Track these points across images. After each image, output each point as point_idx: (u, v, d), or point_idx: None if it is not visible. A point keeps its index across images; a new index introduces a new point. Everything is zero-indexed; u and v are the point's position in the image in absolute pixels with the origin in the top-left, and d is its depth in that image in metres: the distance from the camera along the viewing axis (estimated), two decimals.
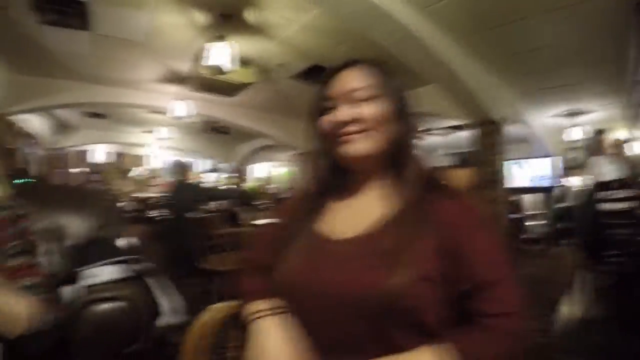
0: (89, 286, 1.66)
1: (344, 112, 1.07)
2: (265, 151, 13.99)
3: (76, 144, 13.09)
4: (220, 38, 5.08)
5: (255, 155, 14.32)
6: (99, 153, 15.21)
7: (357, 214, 1.10)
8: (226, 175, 15.18)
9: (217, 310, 1.18)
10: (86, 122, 11.72)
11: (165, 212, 6.09)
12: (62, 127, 11.90)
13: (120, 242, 2.07)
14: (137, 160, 16.30)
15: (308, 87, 7.00)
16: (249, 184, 14.12)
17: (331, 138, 1.11)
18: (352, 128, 1.06)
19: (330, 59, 5.89)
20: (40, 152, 10.60)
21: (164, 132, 11.51)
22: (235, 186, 12.05)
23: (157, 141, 13.48)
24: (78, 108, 9.59)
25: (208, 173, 15.88)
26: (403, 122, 1.10)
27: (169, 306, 1.86)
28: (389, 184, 1.12)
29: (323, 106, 1.13)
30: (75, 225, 1.93)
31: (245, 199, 8.61)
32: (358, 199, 1.14)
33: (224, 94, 6.74)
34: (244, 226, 5.81)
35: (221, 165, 15.58)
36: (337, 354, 0.97)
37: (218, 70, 5.22)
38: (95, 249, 1.83)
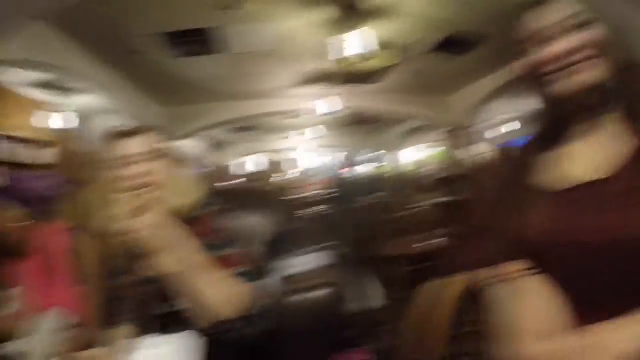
0: (292, 276, 1.70)
1: (564, 43, 0.94)
2: (415, 134, 13.72)
3: (232, 158, 14.05)
4: (353, 27, 5.03)
5: (406, 139, 14.13)
6: (253, 163, 16.13)
7: (589, 157, 0.97)
8: (377, 164, 15.18)
9: (444, 285, 1.14)
10: (237, 136, 12.47)
11: (330, 206, 6.15)
12: (217, 145, 12.74)
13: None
14: (290, 164, 17.06)
15: (447, 58, 6.80)
16: (404, 168, 13.96)
17: (546, 75, 0.97)
18: (576, 57, 0.92)
19: (465, 27, 5.65)
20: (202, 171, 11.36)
21: (311, 132, 11.81)
22: (388, 174, 11.97)
23: (306, 142, 13.84)
24: (227, 125, 10.09)
25: (360, 165, 15.97)
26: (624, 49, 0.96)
27: (363, 291, 1.87)
28: (614, 119, 0.98)
29: (524, 47, 1.02)
30: (261, 221, 2.00)
31: (402, 185, 8.51)
32: (584, 141, 0.99)
33: (368, 82, 6.73)
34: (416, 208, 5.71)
35: (372, 155, 15.61)
36: (595, 311, 0.87)
37: (359, 58, 5.20)
38: (290, 241, 1.89)
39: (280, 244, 1.88)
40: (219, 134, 11.46)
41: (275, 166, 16.53)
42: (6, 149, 6.43)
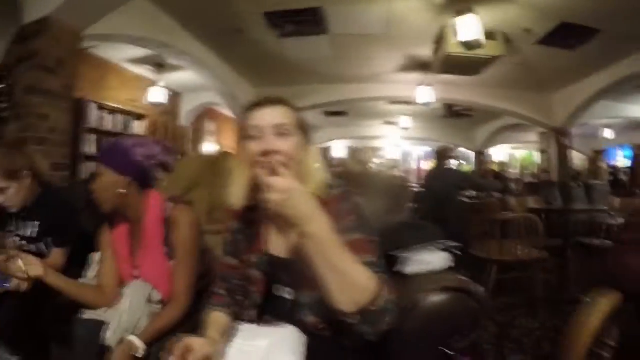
0: (416, 274, 1.55)
1: None
2: (506, 132, 13.15)
3: (319, 142, 13.90)
4: (464, 12, 4.70)
5: (496, 137, 13.55)
6: (340, 148, 16.06)
7: None
8: (463, 161, 14.77)
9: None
10: (328, 120, 12.38)
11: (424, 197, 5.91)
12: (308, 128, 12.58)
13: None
14: (377, 152, 16.79)
15: (555, 52, 6.28)
16: (490, 168, 13.47)
17: None
18: None
19: (576, 19, 5.15)
20: None
21: (404, 121, 11.51)
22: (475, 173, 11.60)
23: (396, 132, 13.60)
24: (320, 109, 10.04)
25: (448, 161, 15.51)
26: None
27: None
28: None
29: None
30: (376, 207, 1.86)
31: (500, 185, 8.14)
32: None
33: (470, 72, 6.35)
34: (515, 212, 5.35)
35: (460, 151, 15.18)
36: None
37: (470, 45, 4.88)
38: (414, 232, 1.73)
39: (402, 237, 1.74)
40: (309, 116, 11.39)
41: (360, 153, 16.49)
42: (107, 119, 6.81)
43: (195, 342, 1.20)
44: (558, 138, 9.00)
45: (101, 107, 6.68)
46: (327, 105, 9.27)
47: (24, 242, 2.31)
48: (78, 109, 5.96)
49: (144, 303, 1.73)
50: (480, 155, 14.21)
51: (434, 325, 1.38)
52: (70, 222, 2.35)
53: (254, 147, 1.25)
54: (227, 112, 9.85)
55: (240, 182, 1.32)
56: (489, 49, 5.38)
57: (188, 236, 1.77)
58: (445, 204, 5.24)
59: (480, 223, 4.36)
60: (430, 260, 1.59)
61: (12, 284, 1.84)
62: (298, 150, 1.28)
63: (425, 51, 6.31)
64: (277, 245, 1.36)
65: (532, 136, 12.76)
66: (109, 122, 6.87)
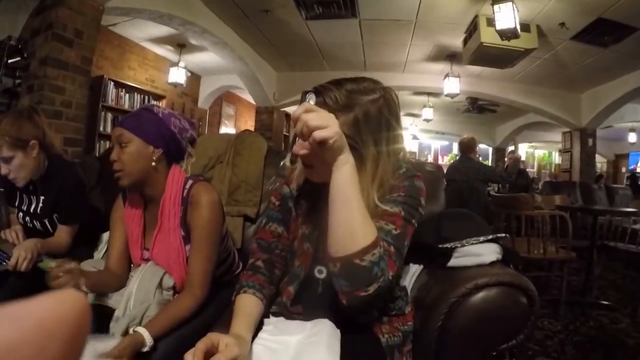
0: (462, 267, 1.43)
1: None
2: (527, 130, 12.89)
3: None
4: (496, 2, 4.58)
5: (517, 135, 13.29)
6: None
7: None
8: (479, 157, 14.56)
9: None
10: None
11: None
12: None
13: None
14: None
15: (587, 49, 6.10)
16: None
17: None
18: None
19: (617, 11, 4.92)
20: None
21: (426, 113, 11.24)
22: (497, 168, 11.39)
23: (416, 123, 13.42)
24: None
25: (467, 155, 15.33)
26: None
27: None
28: None
29: None
30: None
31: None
32: None
33: (502, 64, 6.14)
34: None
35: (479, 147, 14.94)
36: None
37: (505, 34, 4.77)
38: (462, 223, 1.59)
39: (451, 227, 1.63)
40: None
41: None
42: (124, 98, 6.82)
43: (221, 341, 1.03)
44: (583, 138, 8.78)
45: (119, 86, 6.70)
46: None
47: (27, 218, 2.19)
48: (96, 87, 5.96)
49: (154, 289, 1.57)
50: (499, 152, 13.98)
51: (484, 321, 1.27)
52: (79, 198, 2.20)
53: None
54: (246, 96, 9.77)
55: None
56: (522, 42, 5.22)
57: (208, 217, 1.58)
58: (469, 196, 5.10)
59: (506, 218, 4.19)
60: (480, 252, 1.46)
61: (11, 262, 1.76)
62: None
63: (454, 40, 6.20)
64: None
65: (553, 135, 12.53)
66: (127, 101, 6.87)
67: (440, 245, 1.52)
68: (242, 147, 2.41)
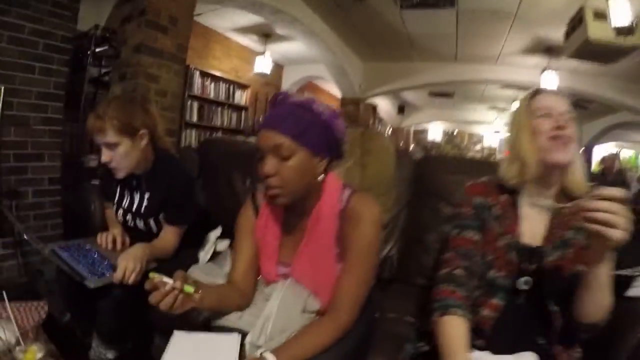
0: None
1: None
2: (617, 129, 12.08)
3: (418, 122, 13.61)
4: None
5: (606, 134, 12.49)
6: (436, 131, 15.49)
7: None
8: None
9: None
10: (430, 101, 11.87)
11: None
12: (409, 107, 12.47)
13: None
14: (474, 138, 15.99)
15: None
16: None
17: None
18: None
19: None
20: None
21: (515, 107, 10.69)
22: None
23: (500, 118, 12.90)
24: (429, 89, 9.66)
25: None
26: None
27: None
28: None
29: None
30: None
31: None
32: None
33: (607, 60, 5.67)
34: None
35: None
36: None
37: (620, 31, 4.40)
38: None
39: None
40: (413, 95, 11.21)
41: (456, 138, 15.88)
42: (209, 87, 6.80)
43: None
44: None
45: (205, 75, 6.68)
46: (436, 85, 8.84)
47: (128, 216, 2.01)
48: (183, 76, 5.94)
49: (299, 313, 1.33)
50: (586, 150, 13.18)
51: None
52: (188, 196, 2.00)
53: (546, 124, 1.27)
54: (329, 86, 9.63)
55: (530, 154, 1.27)
56: (633, 38, 4.78)
57: (370, 236, 1.33)
58: None
59: None
60: None
61: (117, 275, 1.57)
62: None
63: (554, 33, 5.71)
64: (528, 231, 1.31)
65: None
66: (212, 91, 6.87)
67: (617, 272, 1.31)
68: (370, 145, 2.14)
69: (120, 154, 1.79)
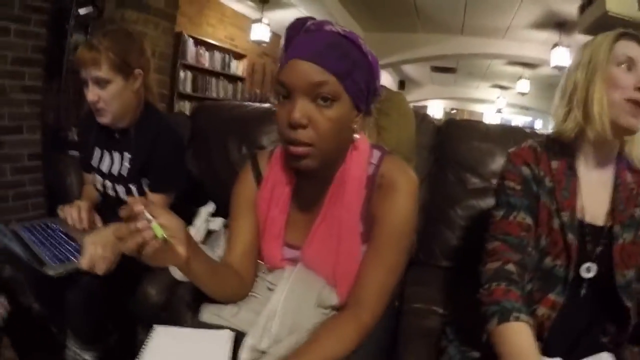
0: None
1: None
2: None
3: (418, 99, 13.23)
4: None
5: None
6: (437, 108, 15.30)
7: None
8: None
9: None
10: (431, 76, 11.68)
11: None
12: (410, 83, 12.22)
13: None
14: (475, 117, 15.69)
15: None
16: None
17: None
18: None
19: None
20: None
21: (522, 86, 10.24)
22: None
23: (504, 96, 12.66)
24: (431, 61, 9.39)
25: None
26: None
27: None
28: None
29: None
30: None
31: None
32: None
33: None
34: None
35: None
36: None
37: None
38: None
39: None
40: (414, 70, 10.96)
41: (455, 116, 15.62)
42: (204, 56, 6.58)
43: None
44: None
45: (199, 43, 6.41)
46: (440, 59, 8.59)
47: (107, 182, 1.73)
48: (174, 43, 5.64)
49: (312, 309, 1.05)
50: None
51: None
52: (178, 159, 1.73)
53: (628, 79, 1.03)
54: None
55: (604, 109, 1.04)
56: None
57: (406, 211, 1.03)
58: None
59: None
60: None
61: (83, 262, 1.29)
62: None
63: (568, 6, 5.50)
64: (589, 207, 1.08)
65: None
66: (207, 60, 6.61)
67: None
68: (389, 106, 1.87)
69: (110, 93, 1.54)
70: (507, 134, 1.86)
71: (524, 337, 0.92)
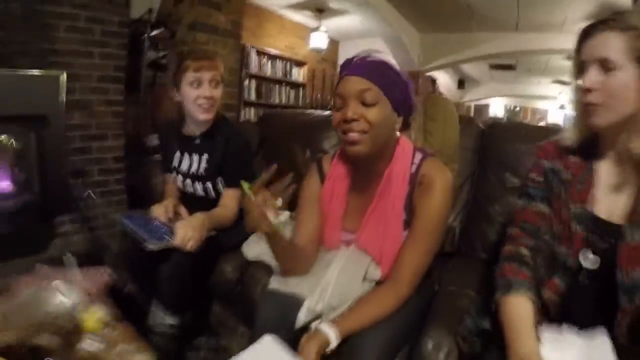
0: None
1: None
2: None
3: (478, 98, 13.13)
4: None
5: None
6: (498, 106, 14.98)
7: None
8: None
9: None
10: (491, 74, 11.51)
11: None
12: (469, 81, 12.09)
13: None
14: (537, 114, 15.27)
15: None
16: None
17: None
18: None
19: None
20: None
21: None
22: None
23: (566, 94, 12.26)
24: (489, 60, 9.33)
25: None
26: None
27: None
28: None
29: None
30: None
31: None
32: None
33: None
34: None
35: None
36: None
37: None
38: None
39: None
40: (474, 68, 10.89)
41: (518, 114, 15.28)
42: (266, 65, 6.86)
43: None
44: None
45: (261, 54, 6.73)
46: (497, 57, 8.44)
47: (187, 181, 2.04)
48: (240, 53, 6.00)
49: (360, 281, 1.31)
50: None
51: None
52: (248, 157, 2.05)
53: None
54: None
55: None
56: None
57: (441, 205, 1.30)
58: None
59: None
60: None
61: (176, 240, 1.62)
62: None
63: None
64: (604, 203, 1.11)
65: None
66: (269, 69, 6.92)
67: None
68: (434, 111, 2.09)
69: (217, 95, 1.95)
70: (545, 134, 1.90)
71: (522, 309, 1.04)
